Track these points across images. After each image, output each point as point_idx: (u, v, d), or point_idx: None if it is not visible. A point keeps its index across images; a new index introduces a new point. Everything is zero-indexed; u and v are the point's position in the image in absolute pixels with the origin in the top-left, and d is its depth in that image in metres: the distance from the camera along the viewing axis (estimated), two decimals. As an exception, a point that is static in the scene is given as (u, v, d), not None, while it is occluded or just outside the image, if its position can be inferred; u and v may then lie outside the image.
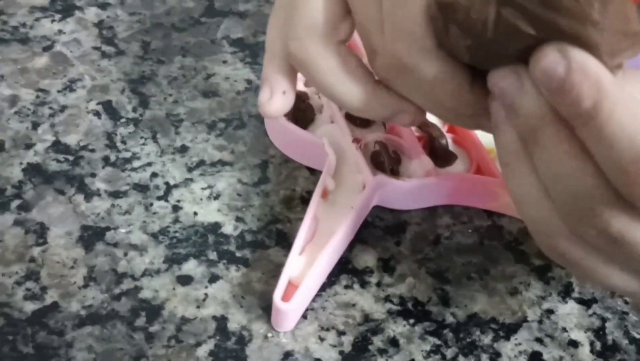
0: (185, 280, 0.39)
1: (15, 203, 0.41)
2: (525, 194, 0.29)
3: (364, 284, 0.40)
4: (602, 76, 0.26)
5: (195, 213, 0.42)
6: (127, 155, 0.44)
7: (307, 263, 0.38)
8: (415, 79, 0.31)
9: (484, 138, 0.44)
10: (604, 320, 0.39)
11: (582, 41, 0.26)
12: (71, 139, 0.44)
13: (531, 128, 0.28)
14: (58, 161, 0.43)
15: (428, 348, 0.38)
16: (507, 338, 0.38)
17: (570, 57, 0.26)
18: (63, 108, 0.46)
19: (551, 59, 0.26)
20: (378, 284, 0.40)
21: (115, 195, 0.42)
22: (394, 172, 0.42)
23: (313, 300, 0.39)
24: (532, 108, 0.27)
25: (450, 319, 0.39)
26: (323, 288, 0.39)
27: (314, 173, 0.44)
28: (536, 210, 0.29)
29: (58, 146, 0.44)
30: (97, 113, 0.46)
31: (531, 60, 0.27)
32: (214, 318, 0.38)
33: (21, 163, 0.43)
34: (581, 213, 0.28)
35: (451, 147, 0.44)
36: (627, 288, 0.30)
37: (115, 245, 0.40)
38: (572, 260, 0.30)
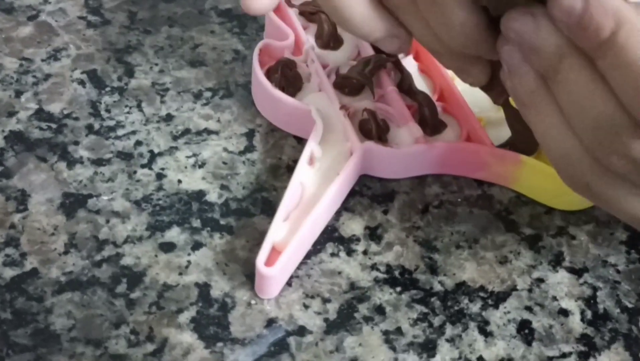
0: (167, 247, 0.38)
1: (-4, 170, 0.40)
2: (549, 130, 0.30)
3: (350, 252, 0.39)
4: (619, 5, 0.26)
5: (180, 181, 0.41)
6: (112, 123, 0.43)
7: (292, 229, 0.37)
8: (436, 10, 0.32)
9: (475, 107, 0.43)
10: (595, 289, 0.39)
11: None
12: (55, 107, 0.43)
13: (551, 64, 0.29)
14: (41, 129, 0.42)
15: (415, 316, 0.37)
16: (496, 307, 0.38)
17: None
18: (47, 77, 0.45)
19: None
20: (365, 252, 0.39)
21: (99, 162, 0.41)
22: (382, 140, 0.41)
23: (298, 268, 0.38)
24: (551, 45, 0.28)
25: (438, 287, 0.38)
26: (308, 256, 0.38)
27: (301, 142, 0.43)
28: (561, 144, 0.30)
29: (41, 114, 0.43)
30: (81, 82, 0.45)
31: (549, 0, 0.28)
32: (197, 285, 0.37)
33: (3, 131, 0.42)
34: (603, 140, 0.28)
35: (441, 115, 0.43)
36: None
37: (97, 212, 0.39)
38: (598, 191, 0.30)
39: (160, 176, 0.41)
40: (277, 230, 0.37)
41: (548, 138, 0.31)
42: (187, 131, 0.43)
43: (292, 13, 0.47)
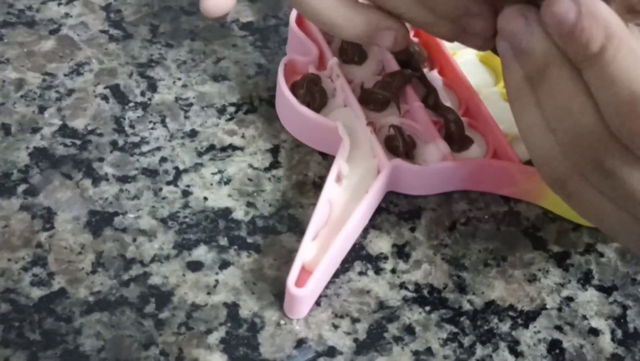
0: (195, 266, 0.38)
1: (21, 188, 0.40)
2: (531, 129, 0.31)
3: (378, 271, 0.39)
4: (611, 20, 0.27)
5: (206, 199, 0.41)
6: (136, 139, 0.43)
7: (321, 248, 0.37)
8: None
9: (502, 123, 0.43)
10: (625, 307, 0.38)
11: None
12: (78, 123, 0.43)
13: (538, 69, 0.29)
14: (65, 145, 0.42)
15: (445, 335, 0.37)
16: (526, 326, 0.37)
17: (581, 3, 0.27)
18: (70, 92, 0.45)
19: (562, 4, 0.27)
20: (393, 271, 0.39)
21: (124, 179, 0.41)
22: (409, 157, 0.41)
23: (326, 287, 0.38)
24: (540, 50, 0.29)
25: (467, 306, 0.38)
26: (336, 274, 0.38)
27: (327, 158, 0.43)
28: (540, 144, 0.31)
29: (65, 130, 0.43)
30: (104, 97, 0.45)
31: (542, 6, 0.28)
32: (225, 304, 0.37)
33: (27, 148, 0.42)
34: (580, 148, 0.29)
35: (467, 131, 0.43)
36: (619, 228, 0.32)
37: (124, 230, 0.39)
38: (572, 192, 0.32)
39: (186, 193, 0.41)
40: (306, 250, 0.36)
41: (529, 135, 0.32)
42: (211, 147, 0.43)
43: (315, 27, 0.46)
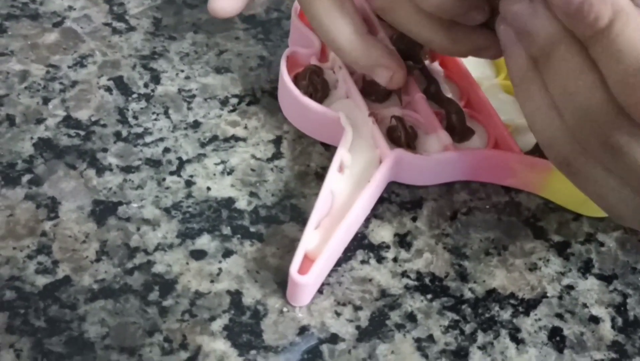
0: (198, 255, 0.38)
1: (26, 178, 0.40)
2: (536, 110, 0.31)
3: (380, 259, 0.39)
4: None
5: (209, 188, 0.41)
6: (139, 130, 0.43)
7: (324, 237, 0.37)
8: None
9: (503, 114, 0.43)
10: (625, 295, 0.39)
11: None
12: (82, 114, 0.44)
13: (543, 50, 0.30)
14: (69, 136, 0.42)
15: (446, 323, 0.37)
16: (527, 314, 0.38)
17: None
18: (74, 83, 0.45)
19: None
20: (395, 259, 0.39)
21: (127, 170, 0.41)
22: (411, 147, 0.41)
23: (329, 275, 0.38)
24: (545, 30, 0.29)
25: (468, 294, 0.38)
26: (339, 263, 0.38)
27: (329, 149, 0.43)
28: (546, 125, 0.31)
29: (69, 121, 0.43)
30: (108, 89, 0.45)
31: None
32: (229, 292, 0.37)
33: (32, 138, 0.42)
34: (587, 126, 0.30)
35: (468, 122, 0.43)
36: (623, 206, 0.32)
37: (128, 219, 0.39)
38: (577, 170, 0.32)
39: (189, 183, 0.41)
40: (309, 239, 0.37)
41: (534, 118, 0.32)
42: (214, 138, 0.43)
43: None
